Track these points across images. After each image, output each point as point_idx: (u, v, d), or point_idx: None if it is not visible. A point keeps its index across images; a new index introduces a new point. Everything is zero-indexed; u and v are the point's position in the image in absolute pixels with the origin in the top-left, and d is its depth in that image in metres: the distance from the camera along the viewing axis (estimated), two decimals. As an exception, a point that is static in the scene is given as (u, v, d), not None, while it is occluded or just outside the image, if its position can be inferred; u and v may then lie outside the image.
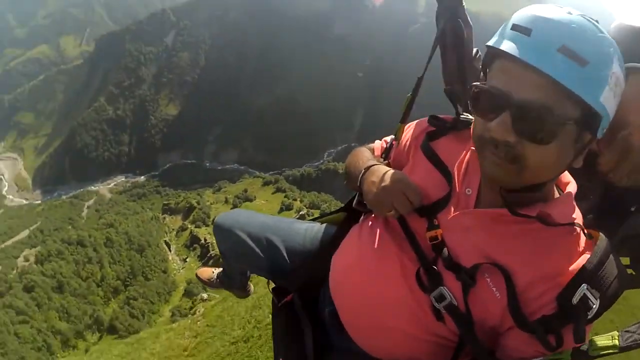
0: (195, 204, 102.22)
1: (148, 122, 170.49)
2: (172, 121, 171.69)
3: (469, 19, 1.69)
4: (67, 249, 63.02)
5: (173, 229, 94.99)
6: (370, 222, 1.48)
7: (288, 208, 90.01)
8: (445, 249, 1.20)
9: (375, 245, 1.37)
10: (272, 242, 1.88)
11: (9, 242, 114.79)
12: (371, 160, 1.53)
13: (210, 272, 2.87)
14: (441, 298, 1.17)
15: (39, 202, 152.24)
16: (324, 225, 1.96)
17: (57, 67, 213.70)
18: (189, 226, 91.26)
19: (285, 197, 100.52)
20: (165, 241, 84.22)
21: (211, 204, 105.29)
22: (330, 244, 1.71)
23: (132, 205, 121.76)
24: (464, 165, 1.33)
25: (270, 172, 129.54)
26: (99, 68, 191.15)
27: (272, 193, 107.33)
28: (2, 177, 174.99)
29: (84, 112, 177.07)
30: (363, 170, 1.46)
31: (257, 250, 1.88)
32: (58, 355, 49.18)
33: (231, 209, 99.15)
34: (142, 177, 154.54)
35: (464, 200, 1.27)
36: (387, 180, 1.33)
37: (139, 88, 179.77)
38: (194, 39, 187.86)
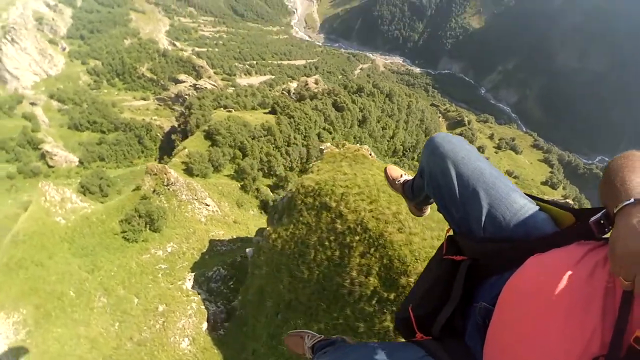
0: (466, 122, 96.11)
1: (447, 22, 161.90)
2: (470, 33, 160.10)
3: None
4: (379, 95, 62.29)
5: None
6: (595, 261, 1.11)
7: (552, 186, 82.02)
8: None
9: (583, 294, 1.04)
10: (477, 197, 1.57)
11: (285, 62, 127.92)
12: None
13: (399, 174, 2.74)
14: None
15: (320, 44, 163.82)
16: (540, 215, 1.52)
17: None
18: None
19: (550, 171, 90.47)
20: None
21: (477, 130, 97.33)
22: (537, 242, 1.38)
23: (403, 87, 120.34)
24: None
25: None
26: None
27: (538, 160, 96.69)
28: (295, 10, 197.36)
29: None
30: (631, 201, 1.03)
31: (457, 194, 1.63)
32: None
33: (495, 148, 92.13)
34: (418, 69, 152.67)
35: None
36: None
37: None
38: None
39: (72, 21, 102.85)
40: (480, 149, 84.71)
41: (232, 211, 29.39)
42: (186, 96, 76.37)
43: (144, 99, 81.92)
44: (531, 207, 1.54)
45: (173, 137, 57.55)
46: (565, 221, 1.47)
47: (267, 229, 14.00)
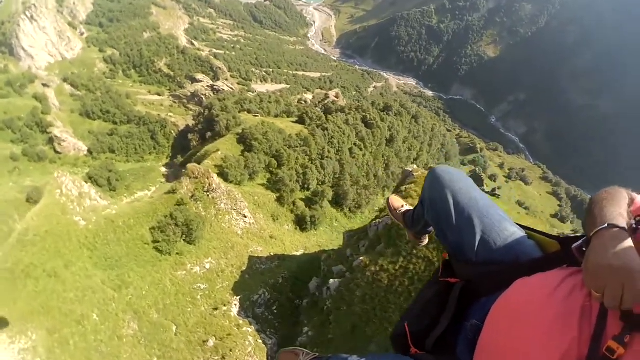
0: (479, 149, 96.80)
1: (463, 49, 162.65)
2: (485, 61, 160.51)
3: None
4: (405, 115, 60.94)
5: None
6: (574, 284, 1.25)
7: (562, 219, 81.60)
8: None
9: (562, 312, 1.18)
10: (472, 224, 1.74)
11: (300, 73, 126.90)
12: (620, 219, 1.23)
13: (401, 204, 2.87)
14: None
15: (335, 58, 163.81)
16: (529, 242, 1.71)
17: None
18: (467, 163, 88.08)
19: (558, 205, 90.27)
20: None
21: (488, 158, 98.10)
22: (525, 266, 1.51)
23: (415, 107, 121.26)
24: None
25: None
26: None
27: (547, 192, 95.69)
28: (313, 22, 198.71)
29: (411, 9, 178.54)
30: (605, 226, 1.20)
31: (454, 221, 1.80)
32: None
33: (505, 177, 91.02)
34: (431, 92, 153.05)
35: None
36: (619, 260, 1.07)
37: (470, 14, 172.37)
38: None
39: (92, 7, 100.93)
40: (492, 178, 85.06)
41: (267, 225, 27.05)
42: (202, 96, 74.46)
43: (158, 94, 79.75)
44: (520, 235, 1.71)
45: (190, 136, 55.32)
46: (551, 248, 1.62)
47: (361, 259, 11.81)
